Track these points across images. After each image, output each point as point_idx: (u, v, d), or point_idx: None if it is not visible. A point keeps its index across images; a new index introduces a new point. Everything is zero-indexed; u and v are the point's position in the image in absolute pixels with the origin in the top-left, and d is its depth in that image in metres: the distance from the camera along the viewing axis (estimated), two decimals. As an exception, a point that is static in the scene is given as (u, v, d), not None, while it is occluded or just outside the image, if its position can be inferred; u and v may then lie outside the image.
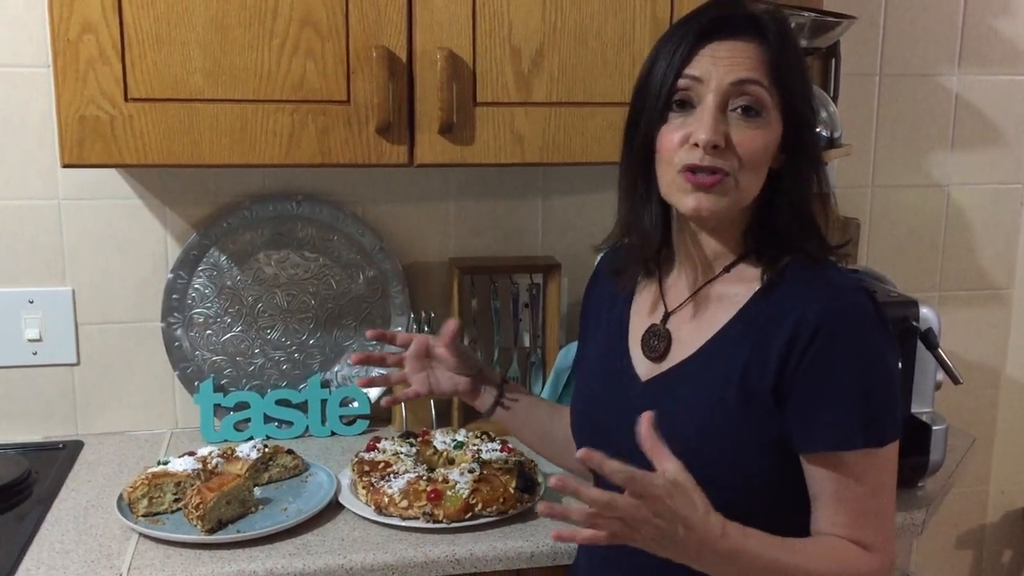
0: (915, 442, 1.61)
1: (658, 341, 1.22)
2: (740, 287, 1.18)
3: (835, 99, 1.98)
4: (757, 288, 1.16)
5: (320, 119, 1.53)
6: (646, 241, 1.23)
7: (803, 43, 1.80)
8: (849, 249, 2.06)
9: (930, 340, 1.58)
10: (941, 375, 1.63)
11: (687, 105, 1.14)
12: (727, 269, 1.20)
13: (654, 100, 1.16)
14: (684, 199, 1.14)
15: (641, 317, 1.27)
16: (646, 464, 1.06)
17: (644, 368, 1.23)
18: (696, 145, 1.11)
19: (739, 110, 1.12)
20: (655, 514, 0.99)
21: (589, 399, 1.31)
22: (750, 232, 1.20)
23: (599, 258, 1.42)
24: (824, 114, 1.82)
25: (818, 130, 1.73)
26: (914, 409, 1.63)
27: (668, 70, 1.14)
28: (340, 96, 1.53)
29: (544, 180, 1.99)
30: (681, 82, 1.14)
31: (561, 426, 1.42)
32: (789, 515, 1.16)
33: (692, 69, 1.13)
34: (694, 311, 1.21)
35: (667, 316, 1.23)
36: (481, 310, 1.96)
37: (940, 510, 1.70)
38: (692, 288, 1.23)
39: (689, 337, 1.20)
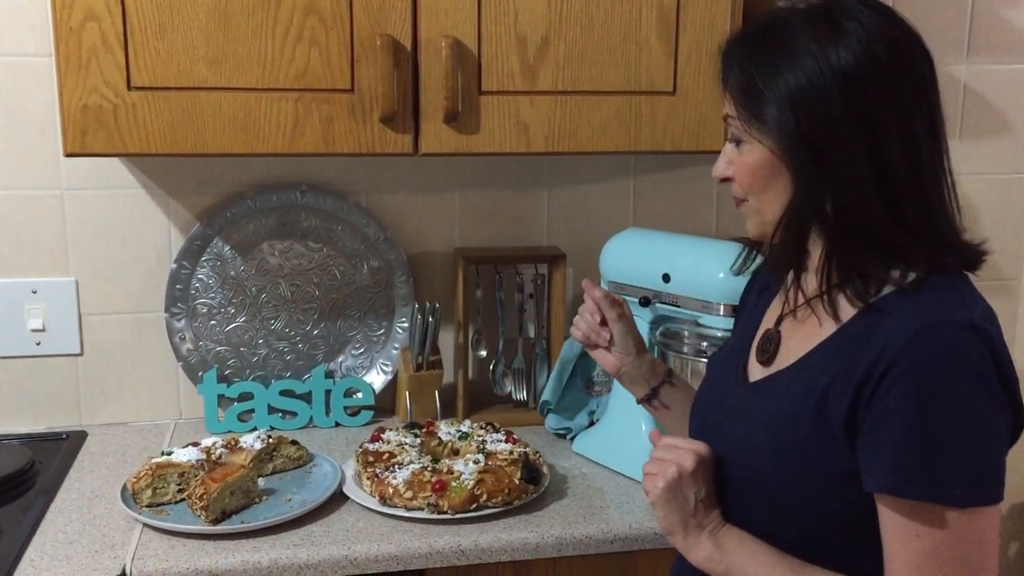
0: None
1: (769, 344, 1.19)
2: (851, 301, 1.10)
3: (843, 88, 1.96)
4: (864, 304, 1.07)
5: (324, 108, 1.52)
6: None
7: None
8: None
9: (938, 331, 1.56)
10: (949, 366, 1.61)
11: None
12: (838, 286, 1.13)
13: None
14: None
15: (768, 318, 1.25)
16: (731, 462, 1.14)
17: (755, 371, 1.21)
18: None
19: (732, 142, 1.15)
20: (677, 461, 1.12)
21: (703, 393, 1.30)
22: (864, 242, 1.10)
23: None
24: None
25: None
26: (922, 400, 1.61)
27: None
28: (344, 85, 1.53)
29: (549, 170, 1.98)
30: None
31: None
32: (855, 552, 1.08)
33: None
34: (804, 319, 1.16)
35: (781, 319, 1.20)
36: (486, 301, 1.95)
37: (947, 502, 1.69)
38: (808, 294, 1.16)
39: (795, 345, 1.15)
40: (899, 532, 1.01)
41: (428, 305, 1.84)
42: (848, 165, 1.04)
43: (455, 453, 1.65)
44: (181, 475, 1.53)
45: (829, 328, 1.10)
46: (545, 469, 1.62)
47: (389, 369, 1.94)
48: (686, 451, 1.14)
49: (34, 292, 1.82)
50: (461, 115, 1.56)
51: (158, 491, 1.51)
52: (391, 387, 1.94)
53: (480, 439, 1.65)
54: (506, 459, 1.57)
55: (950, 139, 2.20)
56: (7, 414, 1.86)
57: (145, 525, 1.46)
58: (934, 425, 0.98)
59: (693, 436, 1.25)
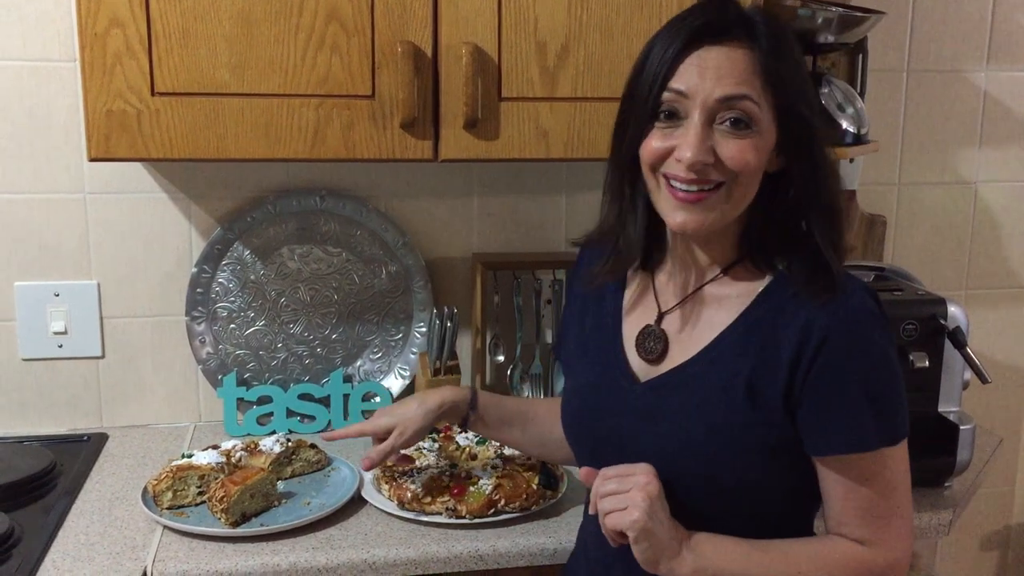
0: (942, 442, 1.60)
1: (654, 342, 1.20)
2: (739, 287, 1.16)
3: (862, 95, 1.96)
4: (759, 290, 1.14)
5: (345, 114, 1.53)
6: (629, 248, 1.22)
7: (830, 38, 1.78)
8: (874, 247, 2.05)
9: (958, 339, 1.56)
10: (969, 374, 1.61)
11: (674, 116, 1.11)
12: (724, 271, 1.18)
13: (641, 108, 1.13)
14: (671, 214, 1.13)
15: (634, 316, 1.25)
16: (659, 463, 1.14)
17: (641, 369, 1.21)
18: (680, 162, 1.09)
19: (728, 123, 1.09)
20: (641, 488, 1.10)
21: (584, 401, 1.28)
22: (745, 237, 1.17)
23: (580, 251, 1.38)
24: (851, 110, 1.81)
25: (842, 125, 1.72)
26: (941, 408, 1.61)
27: (655, 79, 1.11)
28: (365, 91, 1.53)
29: (568, 176, 1.98)
30: (666, 95, 1.10)
31: (541, 432, 1.46)
32: (791, 516, 1.17)
33: (678, 81, 1.10)
34: (691, 312, 1.19)
35: (661, 317, 1.22)
36: (504, 306, 1.95)
37: (966, 511, 1.69)
38: (687, 289, 1.20)
39: (688, 339, 1.18)
40: (851, 485, 1.11)
41: (446, 310, 1.84)
42: (822, 158, 1.13)
43: (473, 458, 1.65)
44: (201, 478, 1.54)
45: (725, 318, 1.15)
46: (563, 474, 1.62)
47: (407, 374, 1.95)
48: (642, 475, 1.11)
49: (56, 295, 1.84)
50: (481, 121, 1.56)
51: (178, 493, 1.52)
52: (409, 392, 1.95)
53: (498, 444, 1.65)
54: (524, 464, 1.58)
55: (970, 146, 2.20)
56: (29, 416, 1.87)
57: (165, 527, 1.47)
58: (873, 382, 1.09)
59: (583, 445, 1.27)
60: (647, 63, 1.13)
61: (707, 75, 1.08)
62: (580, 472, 1.18)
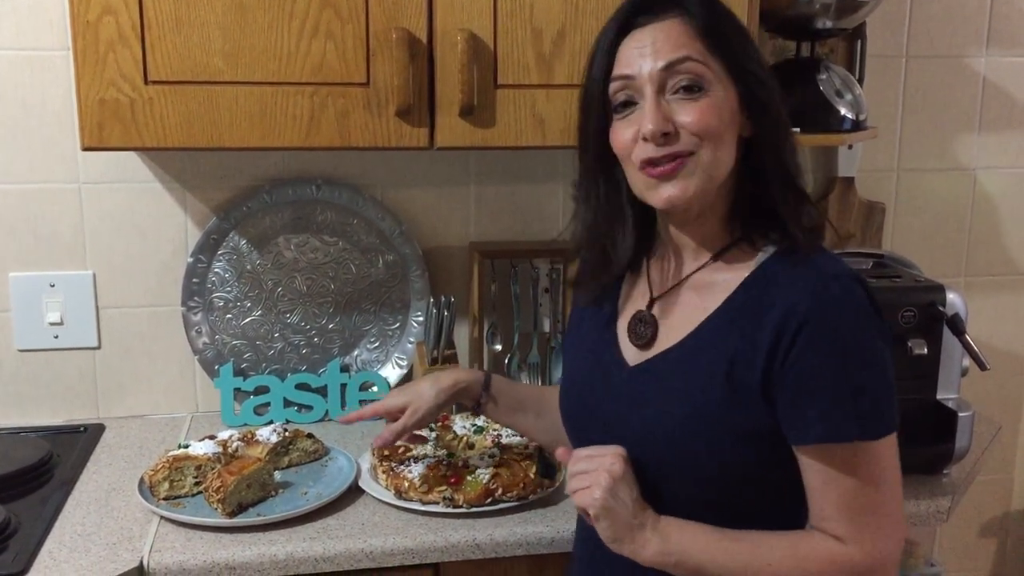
0: (941, 429, 1.59)
1: (644, 327, 1.20)
2: (729, 274, 1.15)
3: (860, 81, 1.95)
4: (746, 275, 1.13)
5: (340, 102, 1.52)
6: (622, 251, 1.23)
7: (828, 24, 1.78)
8: (872, 234, 2.05)
9: (957, 325, 1.56)
10: (967, 361, 1.61)
11: (630, 103, 1.13)
12: (715, 257, 1.17)
13: (596, 104, 1.16)
14: (653, 195, 1.13)
15: (630, 302, 1.26)
16: (633, 450, 1.14)
17: (631, 354, 1.21)
18: (646, 139, 1.10)
19: (680, 90, 1.10)
20: (606, 469, 1.11)
21: (576, 385, 1.29)
22: (735, 214, 1.17)
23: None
24: (849, 96, 1.80)
25: (841, 111, 1.71)
26: (940, 395, 1.61)
27: (600, 72, 1.15)
28: (360, 78, 1.52)
29: (564, 163, 1.97)
30: (614, 85, 1.14)
31: (556, 419, 1.42)
32: (777, 507, 1.14)
33: (620, 68, 1.13)
34: (682, 297, 1.19)
35: (652, 302, 1.22)
36: (501, 295, 1.95)
37: (964, 498, 1.68)
38: (679, 275, 1.20)
39: (677, 324, 1.18)
40: (829, 476, 1.08)
41: (443, 299, 1.83)
42: (780, 115, 1.14)
43: (470, 447, 1.65)
44: (198, 468, 1.54)
45: (711, 304, 1.14)
46: (560, 463, 1.62)
47: (404, 363, 1.95)
48: (609, 456, 1.13)
49: (52, 286, 1.83)
50: (477, 109, 1.55)
51: (175, 484, 1.52)
52: (406, 381, 1.95)
53: (495, 433, 1.65)
54: (521, 453, 1.57)
55: (969, 132, 2.19)
56: (26, 407, 1.87)
57: (162, 518, 1.47)
58: (854, 371, 1.06)
59: (578, 431, 1.27)
60: (593, 60, 1.17)
61: (646, 52, 1.11)
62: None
